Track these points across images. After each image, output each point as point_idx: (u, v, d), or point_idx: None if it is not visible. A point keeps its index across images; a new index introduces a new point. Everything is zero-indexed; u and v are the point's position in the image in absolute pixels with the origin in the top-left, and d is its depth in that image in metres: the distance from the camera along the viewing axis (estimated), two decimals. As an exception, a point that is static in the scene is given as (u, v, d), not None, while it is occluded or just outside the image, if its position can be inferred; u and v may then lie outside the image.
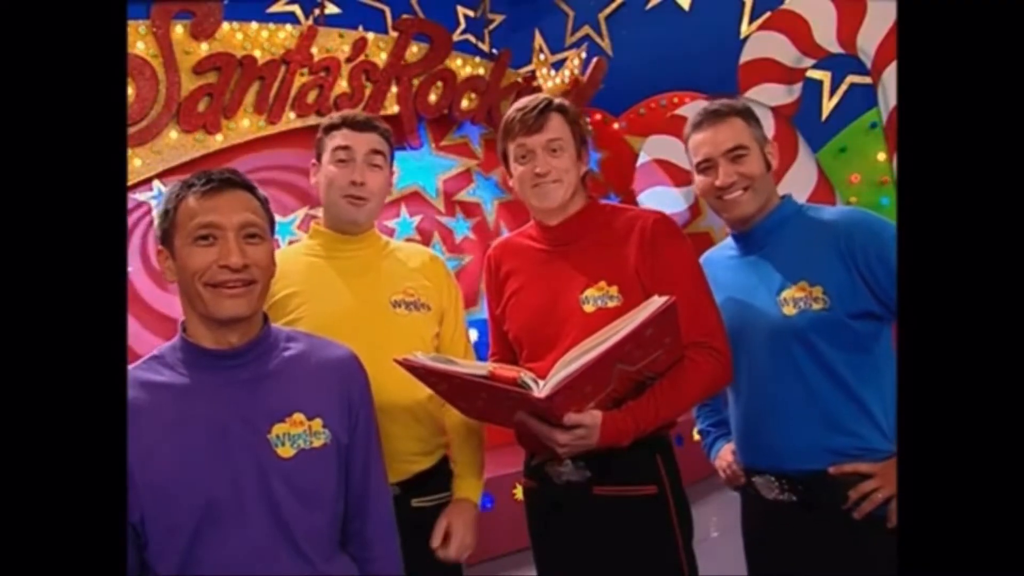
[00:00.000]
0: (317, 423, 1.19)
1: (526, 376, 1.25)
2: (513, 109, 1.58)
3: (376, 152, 1.66)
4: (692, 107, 5.18)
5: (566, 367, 1.24)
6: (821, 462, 1.47)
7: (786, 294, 1.50)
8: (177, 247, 1.16)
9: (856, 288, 1.46)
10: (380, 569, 1.28)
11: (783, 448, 1.51)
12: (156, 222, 1.21)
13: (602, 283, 1.49)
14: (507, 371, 1.28)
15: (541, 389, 1.24)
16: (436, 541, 1.58)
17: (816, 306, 1.47)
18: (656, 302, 1.27)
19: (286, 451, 1.16)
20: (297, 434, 1.17)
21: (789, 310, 1.50)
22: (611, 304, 1.47)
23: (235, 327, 1.18)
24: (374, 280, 1.66)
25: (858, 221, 1.51)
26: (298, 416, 1.18)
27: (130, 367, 1.18)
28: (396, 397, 1.54)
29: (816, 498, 1.48)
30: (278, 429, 1.16)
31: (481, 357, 1.80)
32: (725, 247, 1.69)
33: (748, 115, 1.61)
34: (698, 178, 1.63)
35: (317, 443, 1.19)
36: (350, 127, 1.66)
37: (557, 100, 1.58)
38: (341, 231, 1.68)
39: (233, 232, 1.15)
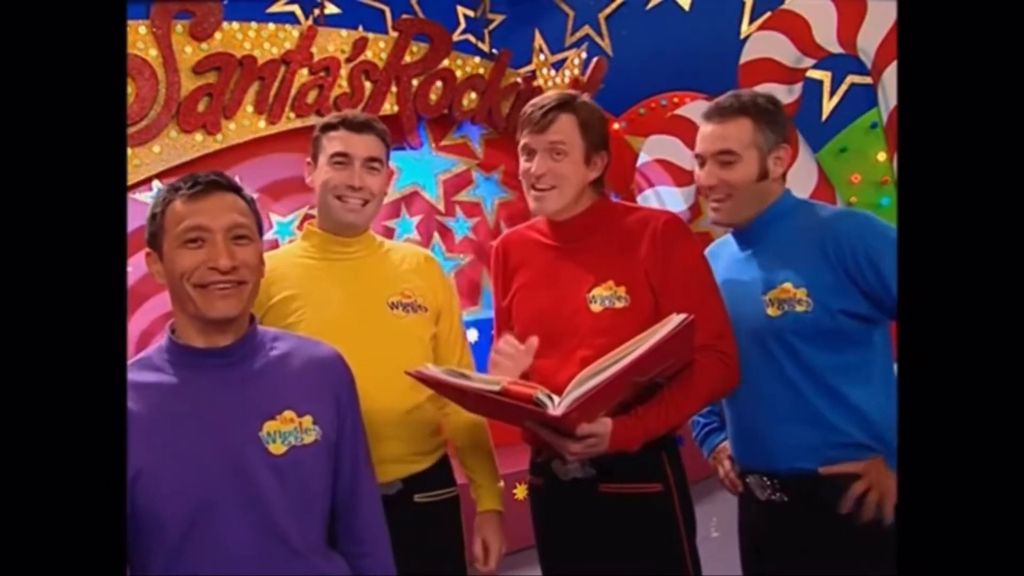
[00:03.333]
0: (308, 420, 1.20)
1: (541, 393, 1.26)
2: (530, 103, 1.54)
3: (374, 158, 1.64)
4: (692, 107, 5.18)
5: (583, 384, 1.24)
6: (810, 461, 1.47)
7: (771, 295, 1.50)
8: (165, 250, 1.17)
9: (842, 289, 1.44)
10: (371, 564, 1.28)
11: (772, 447, 1.51)
12: (145, 226, 1.21)
13: (610, 283, 1.48)
14: (521, 387, 1.28)
15: (557, 407, 1.24)
16: (480, 561, 1.67)
17: (799, 308, 1.46)
18: (675, 320, 1.27)
19: (277, 448, 1.16)
20: (288, 431, 1.18)
21: (773, 311, 1.49)
22: (619, 305, 1.46)
23: (225, 328, 1.18)
24: (371, 282, 1.65)
25: (848, 222, 1.49)
26: (288, 413, 1.19)
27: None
28: (394, 399, 1.55)
29: (807, 498, 1.48)
30: (269, 426, 1.17)
31: (481, 356, 1.80)
32: (727, 241, 1.68)
33: (759, 115, 1.54)
34: (695, 171, 1.62)
35: (308, 440, 1.19)
36: (348, 128, 1.63)
37: (579, 99, 1.52)
38: (336, 233, 1.67)
39: (221, 234, 1.15)
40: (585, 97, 1.56)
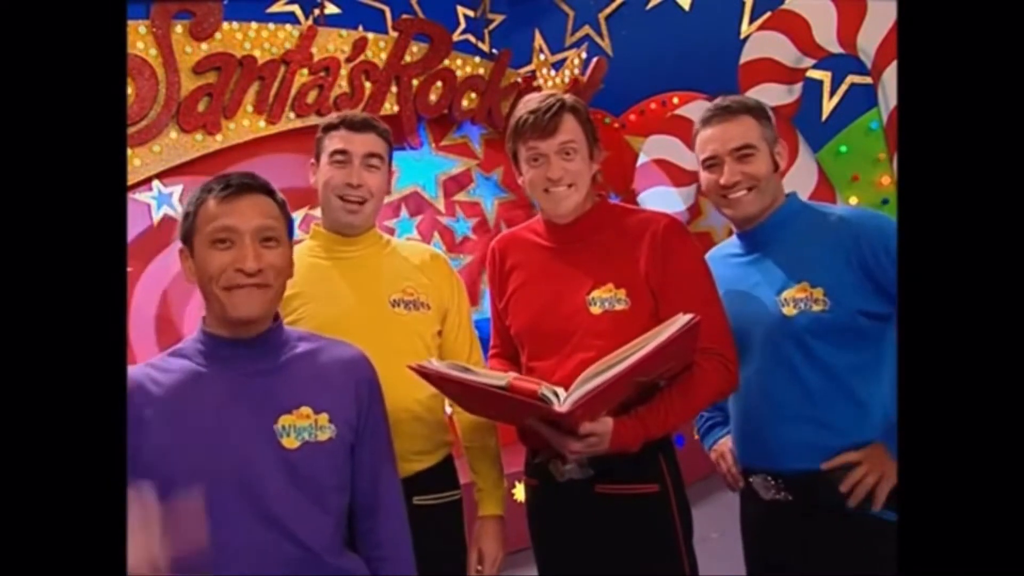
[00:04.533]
0: (324, 418, 1.21)
1: (546, 389, 1.26)
2: (524, 109, 1.52)
3: (373, 155, 1.65)
4: (692, 107, 5.19)
5: (589, 382, 1.24)
6: (816, 462, 1.47)
7: (787, 294, 1.50)
8: (196, 248, 1.21)
9: (861, 289, 1.45)
10: (392, 569, 1.28)
11: (779, 447, 1.51)
12: (179, 223, 1.26)
13: (610, 285, 1.48)
14: (526, 383, 1.28)
15: (562, 403, 1.24)
16: (472, 568, 1.66)
17: (816, 307, 1.47)
18: (681, 320, 1.27)
19: (291, 442, 1.18)
20: (303, 426, 1.19)
21: (789, 310, 1.49)
22: (618, 307, 1.46)
23: (250, 327, 1.22)
24: (373, 280, 1.66)
25: (866, 220, 1.50)
26: (305, 409, 1.21)
27: (150, 359, 1.24)
28: (397, 396, 1.54)
29: (812, 498, 1.48)
30: (284, 420, 1.19)
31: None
32: (730, 245, 1.68)
33: (760, 113, 1.59)
34: (703, 175, 1.61)
35: (322, 437, 1.21)
36: (348, 128, 1.65)
37: (570, 99, 1.53)
38: (339, 232, 1.68)
39: (249, 236, 1.18)
40: (570, 96, 1.56)
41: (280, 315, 1.29)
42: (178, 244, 1.26)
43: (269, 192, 1.25)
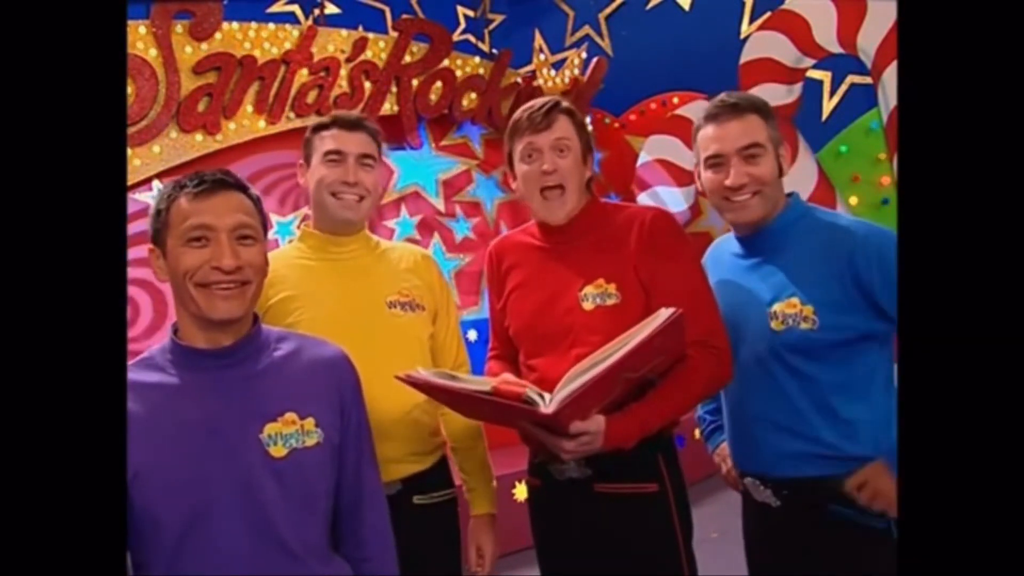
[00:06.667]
0: (310, 422, 1.18)
1: (531, 392, 1.25)
2: (521, 109, 1.57)
3: (367, 154, 1.65)
4: (692, 107, 5.19)
5: (573, 381, 1.24)
6: (802, 470, 1.46)
7: (777, 307, 1.47)
8: (169, 247, 1.16)
9: (853, 308, 1.42)
10: (375, 569, 1.27)
11: (767, 454, 1.51)
12: (149, 221, 1.20)
13: (600, 281, 1.49)
14: (512, 386, 1.27)
15: (548, 405, 1.24)
16: (473, 565, 1.70)
17: (804, 325, 1.44)
18: (663, 315, 1.27)
19: (279, 451, 1.15)
20: (290, 433, 1.16)
21: (777, 325, 1.46)
22: (609, 302, 1.47)
23: (227, 328, 1.17)
24: (369, 281, 1.65)
25: (864, 236, 1.45)
26: (290, 415, 1.17)
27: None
28: (394, 400, 1.54)
29: (799, 502, 1.48)
30: (270, 428, 1.15)
31: (480, 356, 1.80)
32: (730, 242, 1.64)
33: (766, 113, 1.53)
34: (706, 174, 1.56)
35: (310, 442, 1.17)
36: (341, 127, 1.64)
37: (565, 103, 1.57)
38: (332, 232, 1.67)
39: (226, 233, 1.14)
40: (565, 101, 1.60)
41: (259, 318, 1.25)
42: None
43: (243, 189, 1.20)
